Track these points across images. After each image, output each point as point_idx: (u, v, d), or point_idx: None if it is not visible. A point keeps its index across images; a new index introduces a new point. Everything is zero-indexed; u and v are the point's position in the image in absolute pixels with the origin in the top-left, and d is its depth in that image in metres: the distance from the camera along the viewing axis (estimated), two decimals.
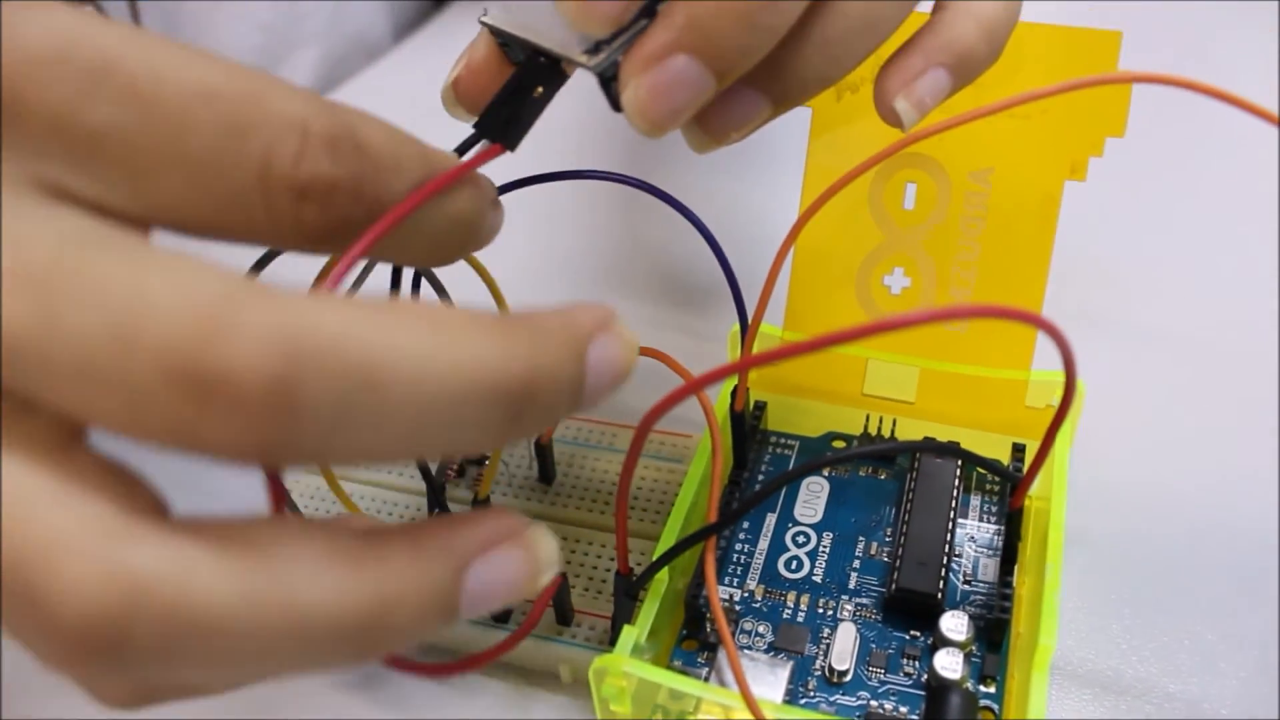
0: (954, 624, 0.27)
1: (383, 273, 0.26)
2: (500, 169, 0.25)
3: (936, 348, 0.31)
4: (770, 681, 0.26)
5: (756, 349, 0.29)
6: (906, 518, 0.29)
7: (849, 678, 0.27)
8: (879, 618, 0.28)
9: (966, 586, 0.29)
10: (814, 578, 0.30)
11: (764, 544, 0.31)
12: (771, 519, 0.31)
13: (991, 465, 0.27)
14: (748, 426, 0.31)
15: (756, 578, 0.30)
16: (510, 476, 0.33)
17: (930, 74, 0.23)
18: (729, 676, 0.26)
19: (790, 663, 0.27)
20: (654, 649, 0.27)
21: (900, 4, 0.22)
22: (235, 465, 0.15)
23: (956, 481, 0.30)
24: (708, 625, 0.28)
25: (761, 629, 0.28)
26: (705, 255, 0.28)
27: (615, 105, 0.21)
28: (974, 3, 0.23)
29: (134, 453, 0.16)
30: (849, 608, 0.29)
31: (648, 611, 0.26)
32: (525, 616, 0.29)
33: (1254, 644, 0.29)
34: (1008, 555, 0.28)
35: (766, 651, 0.28)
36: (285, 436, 0.14)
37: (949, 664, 0.26)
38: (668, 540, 0.27)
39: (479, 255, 0.27)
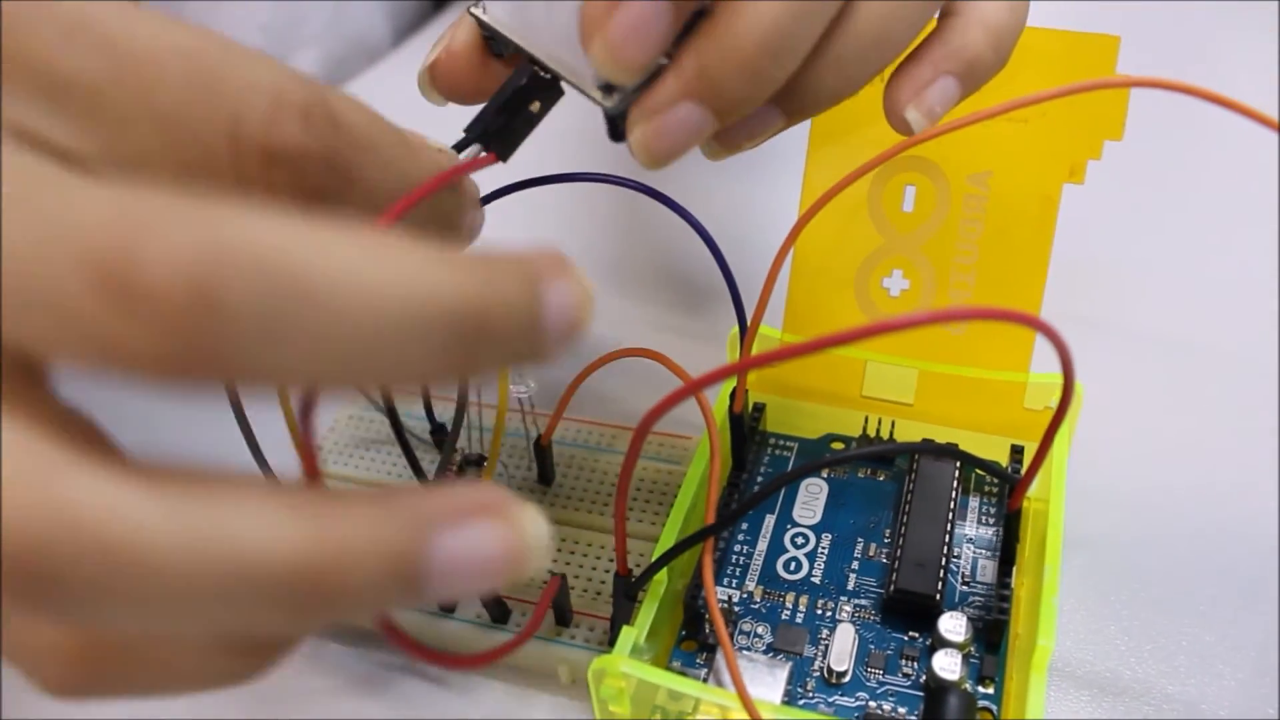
0: (952, 625, 0.27)
1: None
2: (500, 170, 0.25)
3: (935, 350, 0.31)
4: (769, 682, 0.27)
5: (756, 351, 0.29)
6: (905, 519, 0.29)
7: (847, 679, 0.27)
8: (878, 619, 0.28)
9: (965, 588, 0.29)
10: (813, 579, 0.30)
11: (763, 545, 0.31)
12: (770, 520, 0.31)
13: (990, 467, 0.27)
14: (747, 428, 0.31)
15: (755, 579, 0.30)
16: (509, 478, 0.33)
17: (939, 82, 0.23)
18: (727, 677, 0.26)
19: (789, 664, 0.27)
20: (653, 650, 0.27)
21: (913, 22, 0.23)
22: (163, 384, 0.14)
23: (955, 483, 0.30)
24: (706, 626, 0.28)
25: (760, 630, 0.28)
26: (705, 257, 0.28)
27: (615, 138, 0.22)
28: (981, 10, 0.23)
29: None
30: (848, 609, 0.29)
31: (646, 612, 0.26)
32: (526, 619, 0.29)
33: (1252, 645, 0.29)
34: (1006, 556, 0.28)
35: (765, 652, 0.28)
36: (208, 345, 0.14)
37: (947, 665, 0.26)
38: (666, 541, 0.27)
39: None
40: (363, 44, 0.61)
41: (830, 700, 0.27)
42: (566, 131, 0.30)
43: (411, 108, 0.27)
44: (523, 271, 0.16)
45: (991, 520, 0.31)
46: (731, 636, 0.28)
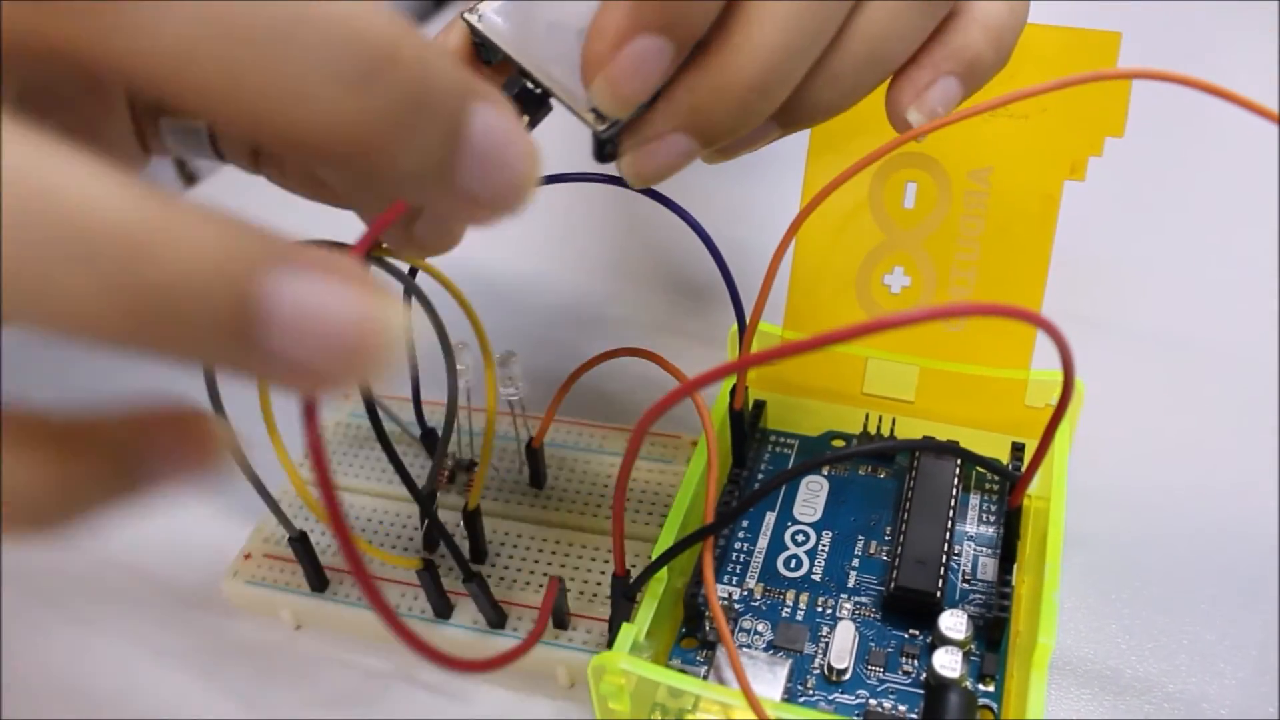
0: (953, 623, 0.27)
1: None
2: None
3: (936, 347, 0.31)
4: (769, 680, 0.27)
5: (756, 348, 0.29)
6: (905, 516, 0.29)
7: (848, 676, 0.27)
8: (878, 616, 0.28)
9: (965, 585, 0.29)
10: (813, 576, 0.30)
11: (763, 542, 0.31)
12: (771, 518, 0.31)
13: (990, 464, 0.27)
14: (747, 425, 0.31)
15: (755, 576, 0.30)
16: (501, 481, 0.33)
17: (941, 83, 0.23)
18: (728, 674, 0.26)
19: (789, 661, 0.27)
20: (652, 647, 0.27)
21: (910, 39, 0.23)
22: None
23: (956, 480, 0.30)
24: (706, 624, 0.28)
25: (760, 627, 0.28)
26: (704, 258, 0.28)
27: (601, 158, 0.22)
28: (981, 10, 0.23)
29: None
30: (848, 606, 0.29)
31: (646, 610, 0.26)
32: (524, 623, 0.29)
33: (1253, 644, 0.29)
34: (1007, 554, 0.28)
35: (765, 650, 0.28)
36: None
37: (948, 663, 0.26)
38: (666, 541, 0.27)
39: (471, 254, 0.27)
40: None
41: (830, 698, 0.27)
42: (565, 132, 0.30)
43: None
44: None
45: (992, 518, 0.31)
46: (731, 634, 0.28)
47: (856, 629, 0.28)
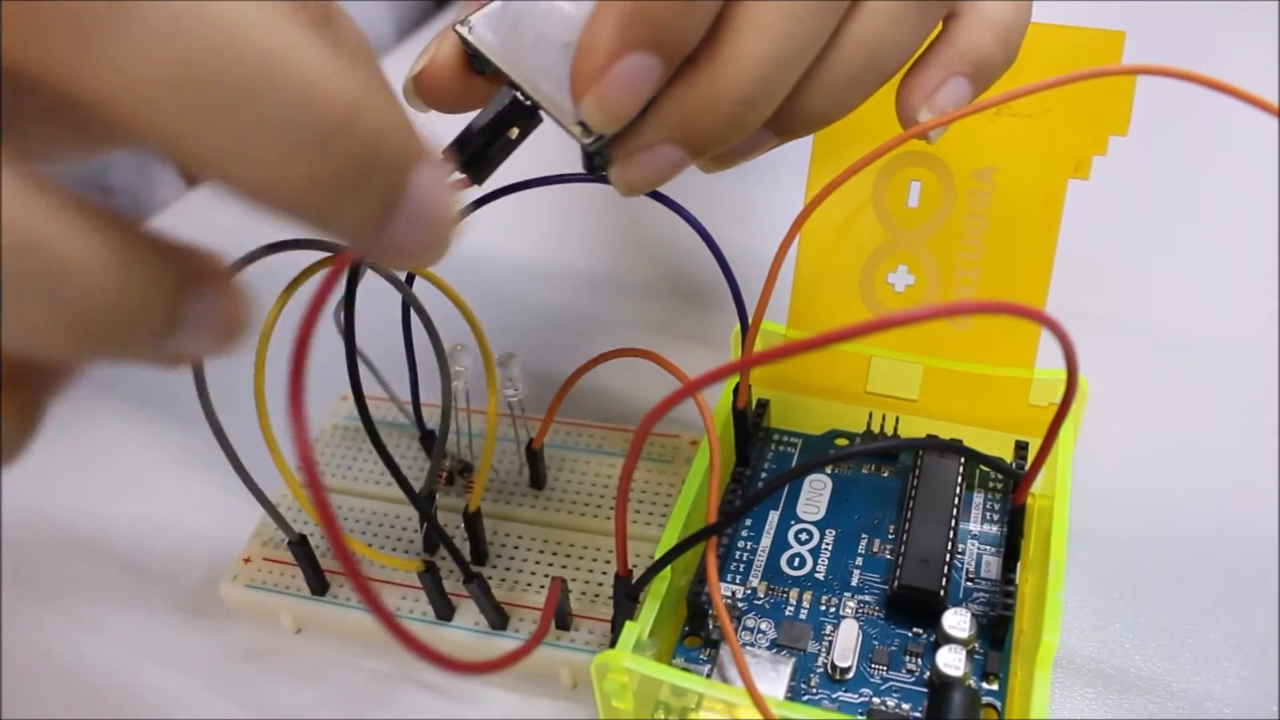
0: (956, 621, 0.27)
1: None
2: (502, 169, 0.25)
3: (940, 346, 0.31)
4: (772, 678, 0.27)
5: (760, 348, 0.29)
6: (909, 515, 0.29)
7: (851, 675, 0.27)
8: (881, 615, 0.28)
9: (969, 584, 0.29)
10: (816, 575, 0.30)
11: (767, 541, 0.31)
12: (774, 516, 0.31)
13: (994, 462, 0.27)
14: (750, 424, 0.31)
15: (759, 575, 0.30)
16: (501, 483, 0.33)
17: (950, 84, 0.23)
18: (731, 673, 0.26)
19: (792, 660, 0.27)
20: (655, 646, 0.27)
21: (902, 46, 0.23)
22: None
23: (959, 479, 0.30)
24: (710, 622, 0.28)
25: (764, 626, 0.28)
26: (706, 259, 0.28)
27: (590, 170, 0.22)
28: (987, 10, 0.23)
29: None
30: (851, 605, 0.29)
31: (649, 609, 0.26)
32: (525, 624, 0.29)
33: (1256, 643, 0.29)
34: (1010, 552, 0.28)
35: (769, 648, 0.28)
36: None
37: (951, 661, 0.26)
38: (669, 540, 0.27)
39: (470, 254, 0.27)
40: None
41: (834, 696, 0.27)
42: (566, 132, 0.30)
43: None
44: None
45: (996, 516, 0.31)
46: (735, 633, 0.28)
47: (860, 627, 0.28)
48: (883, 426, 0.33)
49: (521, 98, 0.21)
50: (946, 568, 0.28)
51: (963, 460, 0.31)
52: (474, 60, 0.22)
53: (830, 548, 0.30)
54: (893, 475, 0.32)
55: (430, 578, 0.29)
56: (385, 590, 0.30)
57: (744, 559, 0.30)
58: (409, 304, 0.29)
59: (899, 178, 0.30)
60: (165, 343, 0.15)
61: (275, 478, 0.27)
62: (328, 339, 0.20)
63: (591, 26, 0.20)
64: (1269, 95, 0.21)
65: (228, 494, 0.33)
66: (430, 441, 0.34)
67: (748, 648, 0.28)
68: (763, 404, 0.33)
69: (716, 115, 0.21)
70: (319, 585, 0.31)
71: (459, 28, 0.22)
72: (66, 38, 0.13)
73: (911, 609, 0.28)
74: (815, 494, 0.32)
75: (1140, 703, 0.28)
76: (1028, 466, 0.26)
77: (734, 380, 0.31)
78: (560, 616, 0.29)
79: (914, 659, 0.27)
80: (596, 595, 0.30)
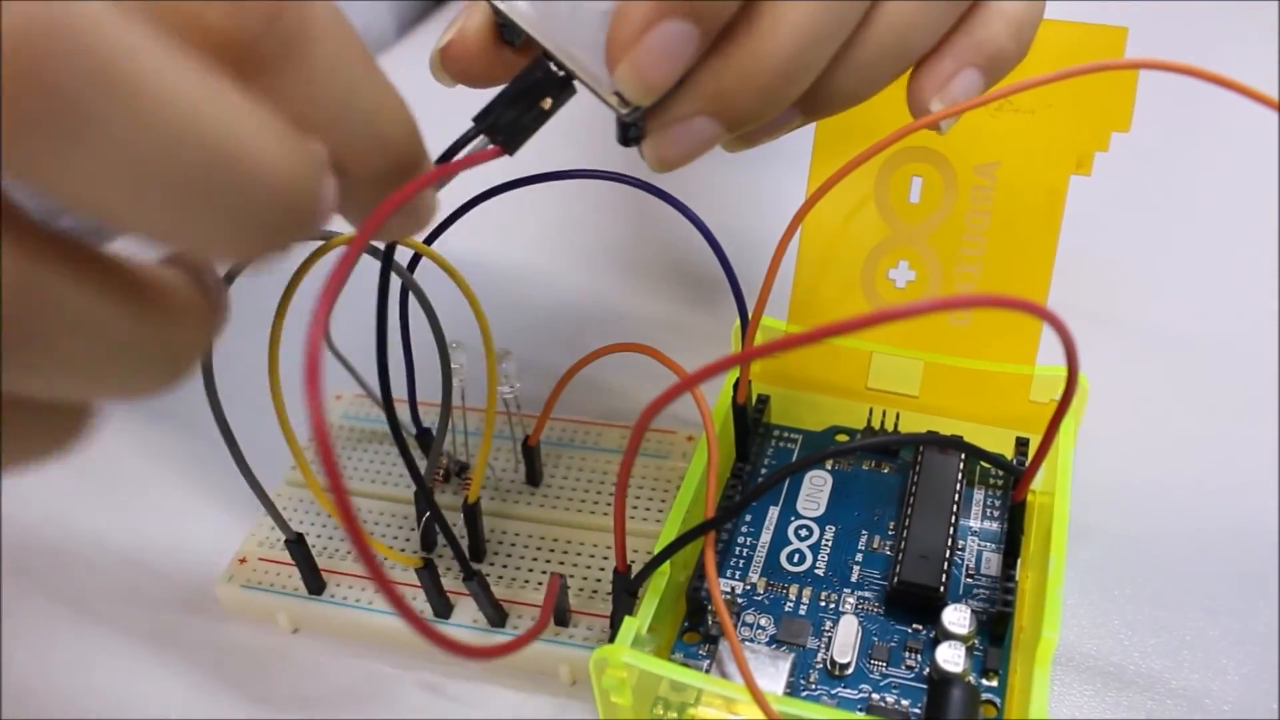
0: (956, 617, 0.27)
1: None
2: (501, 167, 0.24)
3: (941, 341, 0.31)
4: (771, 674, 0.26)
5: (760, 343, 0.29)
6: (909, 511, 0.29)
7: (851, 671, 0.27)
8: (881, 611, 0.28)
9: (969, 580, 0.29)
10: (816, 571, 0.30)
11: (766, 537, 0.31)
12: (774, 512, 0.31)
13: (994, 459, 0.27)
14: (750, 420, 0.31)
15: (759, 570, 0.30)
16: (497, 480, 0.33)
17: (963, 75, 0.23)
18: (730, 668, 0.26)
19: (791, 655, 0.27)
20: (654, 642, 0.27)
21: (934, 30, 0.23)
22: None
23: (959, 475, 0.30)
24: (709, 618, 0.28)
25: (763, 622, 0.28)
26: (706, 254, 0.28)
27: (625, 141, 0.22)
28: (1002, 2, 0.23)
29: None
30: (851, 601, 0.29)
31: (649, 604, 0.26)
32: (524, 621, 0.29)
33: (1257, 641, 0.29)
34: (1010, 549, 0.28)
35: (768, 644, 0.28)
36: (24, 113, 0.12)
37: (951, 657, 0.26)
38: (668, 535, 0.27)
39: (470, 251, 0.27)
40: (367, 35, 0.60)
41: (833, 692, 0.27)
42: (568, 127, 0.30)
43: (416, 102, 0.26)
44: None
45: (996, 513, 0.31)
46: (734, 628, 0.28)
47: (859, 623, 0.28)
48: (883, 422, 0.33)
49: (555, 68, 0.21)
50: (946, 564, 0.28)
51: (963, 456, 0.31)
52: (505, 30, 0.22)
53: (830, 544, 0.30)
54: (893, 471, 0.32)
55: (429, 574, 0.28)
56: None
57: (744, 555, 0.30)
58: (407, 300, 0.29)
59: (901, 173, 0.30)
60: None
61: (275, 476, 0.27)
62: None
63: None
64: (1269, 93, 0.21)
65: (223, 495, 0.33)
66: (424, 440, 0.34)
67: (747, 643, 0.28)
68: (763, 400, 0.33)
69: (753, 88, 0.21)
70: (316, 585, 0.31)
71: None
72: (29, 145, 0.13)
73: (911, 605, 0.28)
74: (815, 490, 0.32)
75: (1139, 700, 0.28)
76: (1028, 463, 0.26)
77: (734, 376, 0.30)
78: (559, 612, 0.29)
79: (913, 655, 0.27)
80: (595, 591, 0.30)
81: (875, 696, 0.27)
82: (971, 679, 0.26)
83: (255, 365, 0.26)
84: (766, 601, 0.29)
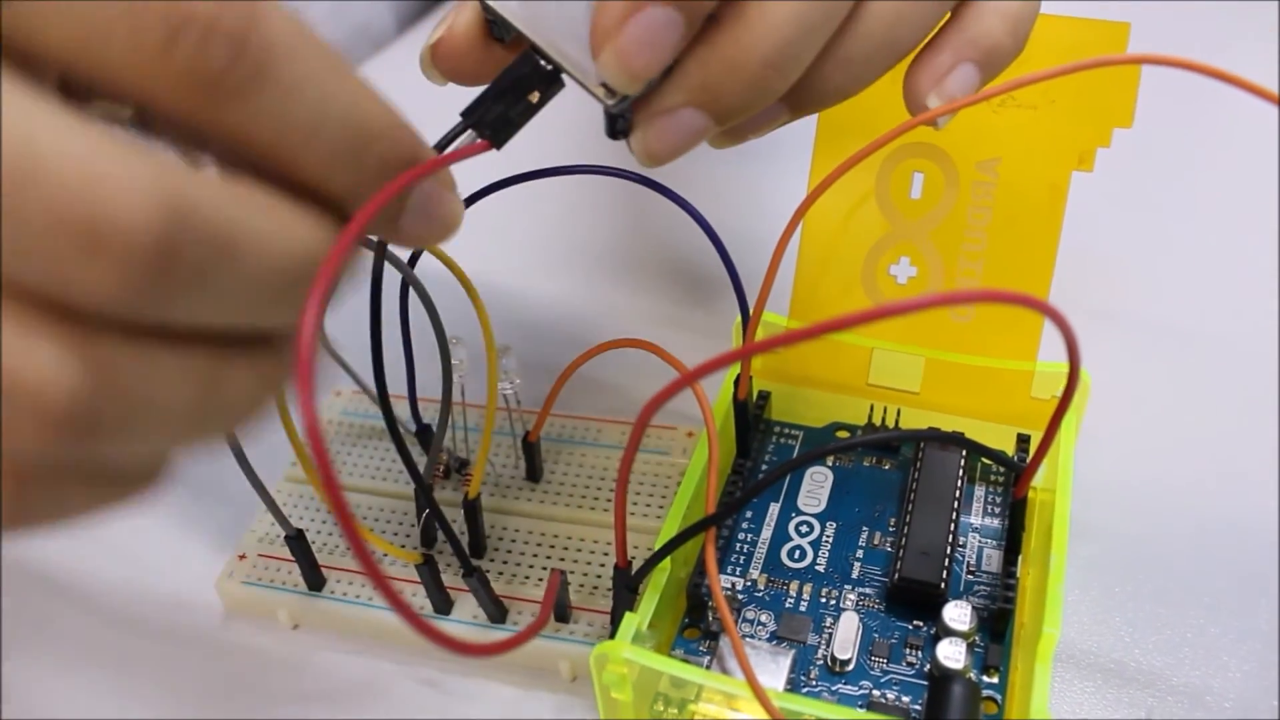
0: (957, 614, 0.27)
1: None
2: (501, 163, 0.24)
3: (942, 338, 0.31)
4: (772, 670, 0.26)
5: (761, 339, 0.29)
6: (910, 508, 0.29)
7: (851, 667, 0.27)
8: (882, 607, 0.28)
9: (970, 577, 0.29)
10: (817, 567, 0.30)
11: (767, 533, 0.30)
12: (775, 508, 0.31)
13: (995, 455, 0.27)
14: (751, 416, 0.31)
15: (759, 567, 0.30)
16: (497, 476, 0.33)
17: (959, 70, 0.23)
18: (731, 664, 0.26)
19: (792, 651, 0.27)
20: (655, 638, 0.27)
21: (921, 25, 0.23)
22: (108, 321, 0.15)
23: (960, 472, 0.30)
24: (710, 614, 0.28)
25: (764, 618, 0.28)
26: (707, 250, 0.28)
27: (613, 134, 0.22)
28: None
29: None
30: (852, 597, 0.29)
31: (649, 600, 0.26)
32: (524, 617, 0.29)
33: (1257, 638, 0.29)
34: (1011, 545, 0.28)
35: (768, 640, 0.28)
36: (156, 292, 0.15)
37: (952, 654, 0.26)
38: (669, 531, 0.27)
39: (469, 248, 0.27)
40: (366, 32, 0.60)
41: (834, 688, 0.27)
42: (568, 123, 0.30)
43: (415, 98, 0.26)
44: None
45: (997, 510, 0.31)
46: (735, 624, 0.28)
47: (860, 620, 0.28)
48: (884, 419, 0.33)
49: (543, 61, 0.21)
50: (947, 561, 0.28)
51: (964, 453, 0.30)
52: (494, 26, 0.22)
53: (831, 540, 0.30)
54: (894, 468, 0.32)
55: (429, 570, 0.28)
56: None
57: (744, 551, 0.30)
58: (407, 296, 0.29)
59: (902, 169, 0.30)
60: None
61: (275, 472, 0.27)
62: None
63: None
64: (1270, 90, 0.21)
65: (223, 491, 0.33)
66: (424, 437, 0.33)
67: (747, 639, 0.28)
68: (764, 396, 0.33)
69: (741, 79, 0.21)
70: (316, 581, 0.31)
71: None
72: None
73: (912, 602, 0.28)
74: (816, 486, 0.32)
75: (1140, 696, 0.28)
76: (1029, 459, 0.26)
77: (735, 372, 0.30)
78: (559, 609, 0.29)
79: (914, 652, 0.27)
80: (595, 588, 0.30)
81: (876, 693, 0.26)
82: (972, 676, 0.26)
83: None
84: (767, 598, 0.29)
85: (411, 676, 0.30)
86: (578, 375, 0.30)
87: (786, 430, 0.34)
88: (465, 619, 0.29)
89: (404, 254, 0.28)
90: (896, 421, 0.32)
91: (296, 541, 0.29)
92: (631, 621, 0.25)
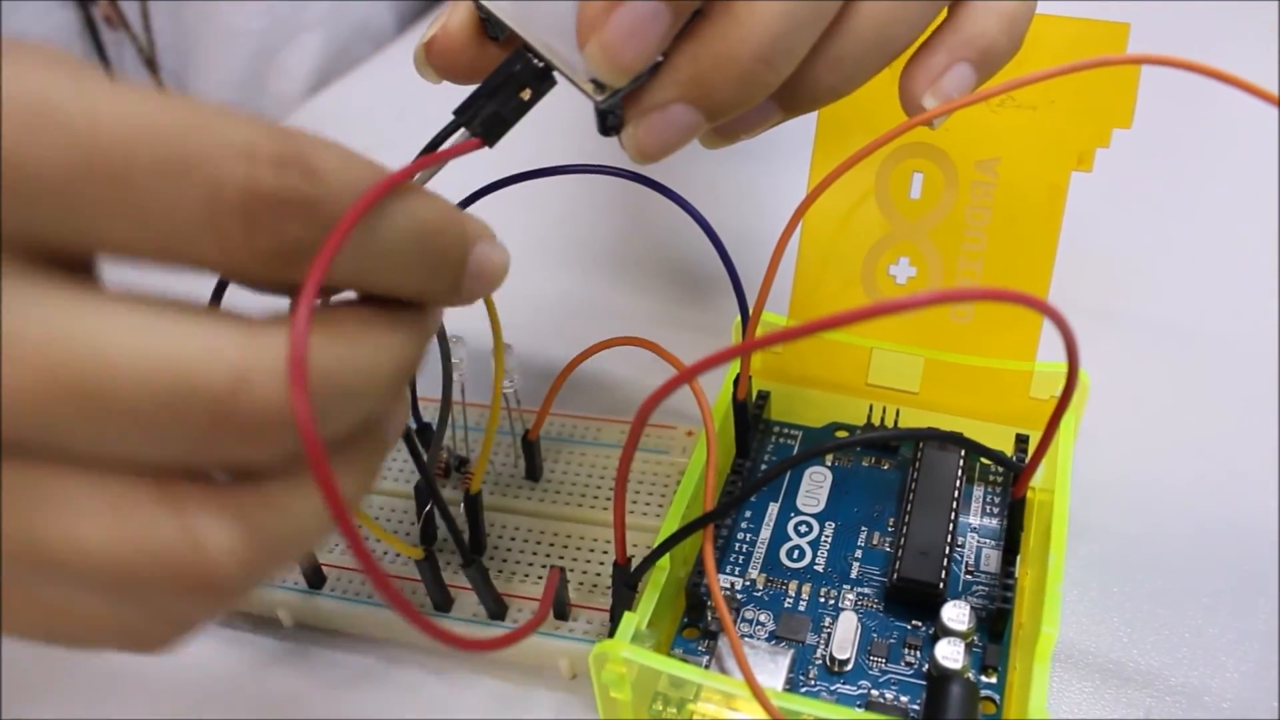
0: (955, 614, 0.27)
1: None
2: (500, 162, 0.24)
3: (941, 338, 0.31)
4: (770, 670, 0.26)
5: (760, 335, 0.29)
6: (909, 508, 0.29)
7: (850, 667, 0.27)
8: (880, 607, 0.28)
9: (969, 577, 0.29)
10: (816, 567, 0.30)
11: (766, 533, 0.30)
12: (774, 508, 0.31)
13: (994, 455, 0.27)
14: (750, 415, 0.31)
15: (758, 566, 0.30)
16: (497, 475, 0.33)
17: (955, 70, 0.23)
18: (730, 664, 0.26)
19: (791, 651, 0.27)
20: (654, 637, 0.27)
21: (914, 23, 0.23)
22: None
23: (959, 472, 0.30)
24: (709, 614, 0.28)
25: (763, 618, 0.28)
26: (707, 250, 0.28)
27: (604, 131, 0.22)
28: None
29: None
30: (850, 597, 0.29)
31: (648, 599, 0.26)
32: (524, 614, 0.29)
33: (1256, 638, 0.29)
34: (1010, 545, 0.28)
35: (767, 640, 0.28)
36: (293, 445, 0.16)
37: (950, 654, 0.26)
38: (668, 529, 0.27)
39: None
40: (366, 30, 0.60)
41: (832, 688, 0.27)
42: (567, 123, 0.30)
43: (415, 95, 0.26)
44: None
45: (996, 510, 0.31)
46: (733, 624, 0.28)
47: (859, 620, 0.28)
48: (883, 419, 0.33)
49: (535, 59, 0.21)
50: (946, 560, 0.28)
51: (963, 453, 0.31)
52: (488, 25, 0.22)
53: (830, 540, 0.30)
54: (893, 468, 0.32)
55: (429, 566, 0.28)
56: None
57: (743, 551, 0.30)
58: None
59: (901, 169, 0.30)
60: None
61: None
62: None
63: None
64: (1270, 90, 0.21)
65: None
66: (424, 436, 0.33)
67: (746, 639, 0.28)
68: (763, 396, 0.33)
69: (732, 74, 0.21)
70: (316, 579, 0.31)
71: None
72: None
73: (910, 601, 0.28)
74: (815, 486, 0.32)
75: (1138, 696, 0.28)
76: (1028, 459, 0.26)
77: (734, 372, 0.30)
78: (559, 606, 0.29)
79: (913, 651, 0.27)
80: (594, 586, 0.30)
81: (874, 693, 0.26)
82: (970, 675, 0.26)
83: None
84: (766, 597, 0.29)
85: (411, 674, 0.30)
86: (577, 374, 0.30)
87: (786, 430, 0.34)
88: (465, 616, 0.29)
89: None
90: (896, 422, 0.32)
91: None
92: (630, 621, 0.25)
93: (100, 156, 0.15)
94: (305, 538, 0.18)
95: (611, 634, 0.25)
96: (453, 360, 0.29)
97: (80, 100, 0.15)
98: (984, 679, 0.27)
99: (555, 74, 0.21)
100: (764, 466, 0.33)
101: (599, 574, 0.30)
